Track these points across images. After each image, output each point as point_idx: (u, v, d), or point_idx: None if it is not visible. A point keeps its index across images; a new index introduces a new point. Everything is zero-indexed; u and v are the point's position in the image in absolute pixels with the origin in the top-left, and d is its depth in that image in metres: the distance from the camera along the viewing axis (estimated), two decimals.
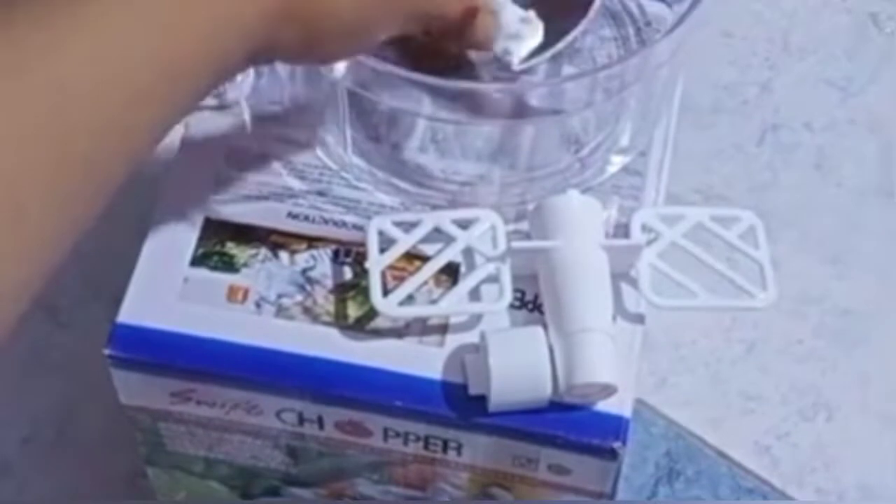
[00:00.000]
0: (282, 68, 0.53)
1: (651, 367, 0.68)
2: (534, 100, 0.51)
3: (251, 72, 0.54)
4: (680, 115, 0.74)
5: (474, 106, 0.50)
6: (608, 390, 0.48)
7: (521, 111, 0.51)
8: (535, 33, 0.51)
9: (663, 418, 0.67)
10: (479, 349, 0.48)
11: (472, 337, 0.49)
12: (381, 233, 0.50)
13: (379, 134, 0.53)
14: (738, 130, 0.76)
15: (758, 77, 0.77)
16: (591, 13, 0.53)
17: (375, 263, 0.49)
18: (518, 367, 0.48)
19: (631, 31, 0.56)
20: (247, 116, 0.54)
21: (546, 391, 0.48)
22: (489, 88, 0.51)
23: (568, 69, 0.55)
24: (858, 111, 0.77)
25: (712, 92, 0.77)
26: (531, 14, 0.51)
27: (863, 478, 0.66)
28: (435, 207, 0.52)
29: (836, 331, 0.70)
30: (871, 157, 0.75)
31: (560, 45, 0.53)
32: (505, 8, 0.50)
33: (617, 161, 0.53)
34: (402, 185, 0.52)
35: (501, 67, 0.51)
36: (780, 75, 0.78)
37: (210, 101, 0.53)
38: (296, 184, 0.53)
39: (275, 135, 0.53)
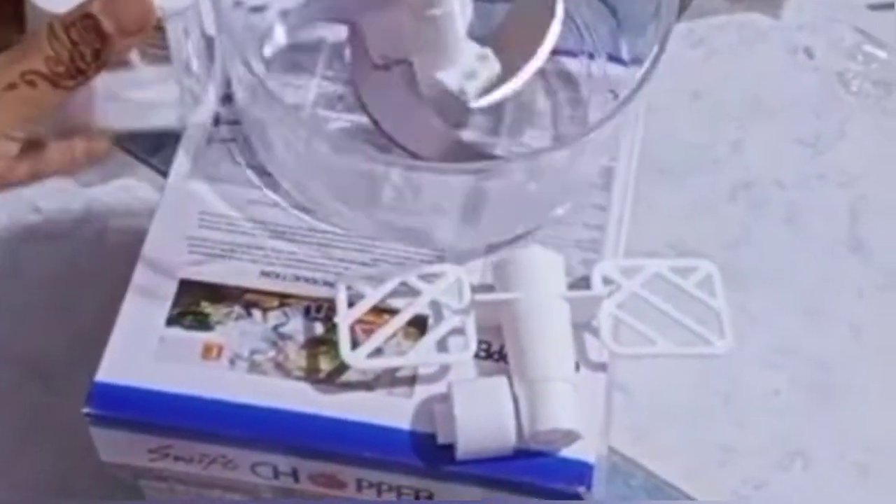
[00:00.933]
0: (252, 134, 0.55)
1: (630, 421, 0.69)
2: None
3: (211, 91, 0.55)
4: (652, 175, 0.76)
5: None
6: (571, 437, 0.49)
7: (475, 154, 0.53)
8: (491, 70, 0.53)
9: (642, 470, 0.68)
10: (447, 399, 0.50)
11: (440, 387, 0.51)
12: (349, 288, 0.52)
13: (348, 193, 0.55)
14: (710, 188, 0.77)
15: (728, 136, 0.79)
16: (544, 48, 0.55)
17: (344, 318, 0.51)
18: (483, 417, 0.49)
19: (585, 92, 0.58)
20: (206, 201, 0.55)
21: (511, 439, 0.49)
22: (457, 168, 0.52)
23: (530, 131, 0.57)
24: (828, 167, 0.78)
25: (684, 151, 0.78)
26: (488, 51, 0.53)
27: None
28: (398, 263, 0.53)
29: (811, 382, 0.71)
30: (842, 211, 0.77)
31: (511, 85, 0.54)
32: (463, 45, 0.52)
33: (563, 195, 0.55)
34: (366, 240, 0.54)
35: (458, 104, 0.53)
36: (751, 134, 0.80)
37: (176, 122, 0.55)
38: (268, 243, 0.54)
39: (244, 197, 0.55)
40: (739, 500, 0.66)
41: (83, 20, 0.43)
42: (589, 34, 0.59)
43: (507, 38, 0.55)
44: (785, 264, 0.75)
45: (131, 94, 0.54)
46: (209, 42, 0.54)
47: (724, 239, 0.76)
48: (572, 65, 0.59)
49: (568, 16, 0.57)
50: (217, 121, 0.56)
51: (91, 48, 0.43)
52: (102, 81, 0.48)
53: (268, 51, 0.57)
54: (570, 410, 0.49)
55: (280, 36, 0.58)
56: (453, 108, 0.54)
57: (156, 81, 0.54)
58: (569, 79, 0.58)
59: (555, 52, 0.56)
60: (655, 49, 0.53)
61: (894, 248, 0.75)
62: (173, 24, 0.50)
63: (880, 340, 0.72)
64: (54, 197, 0.72)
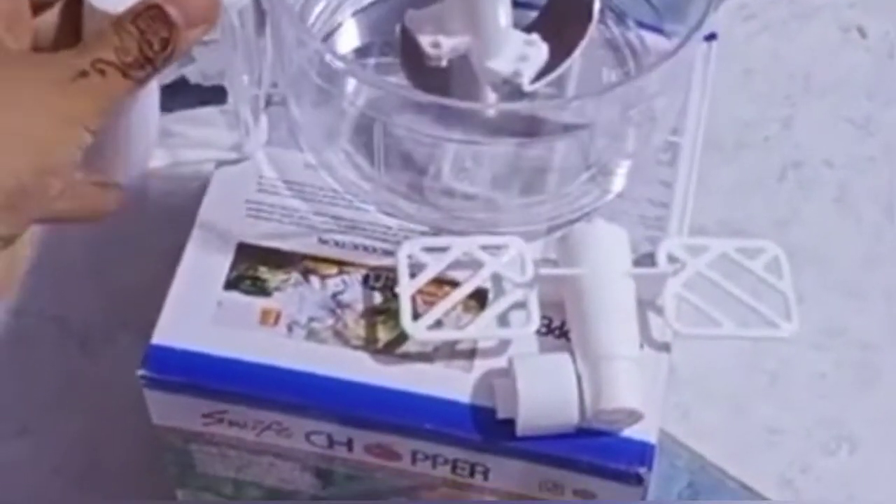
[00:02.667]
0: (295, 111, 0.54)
1: (675, 399, 0.68)
2: (546, 119, 0.52)
3: (264, 122, 0.55)
4: (704, 151, 0.75)
5: (490, 128, 0.51)
6: (634, 416, 0.48)
7: (534, 130, 0.52)
8: (540, 54, 0.53)
9: (687, 450, 0.68)
10: (508, 374, 0.49)
11: (500, 362, 0.50)
12: (410, 258, 0.51)
13: (401, 161, 0.54)
14: (760, 166, 0.76)
15: (778, 114, 0.78)
16: (590, 28, 0.54)
17: (405, 288, 0.50)
18: (546, 393, 0.48)
19: (631, 62, 0.57)
20: (265, 166, 0.55)
21: (573, 416, 0.48)
22: (508, 107, 0.52)
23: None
24: (877, 148, 0.77)
25: (734, 128, 0.77)
26: (535, 37, 0.53)
27: None
28: (460, 233, 0.52)
29: (858, 364, 0.70)
30: (891, 192, 0.76)
31: (566, 63, 0.54)
32: (509, 32, 0.52)
33: (624, 167, 0.54)
34: (425, 211, 0.53)
35: (513, 89, 0.52)
36: (801, 112, 0.79)
37: (230, 155, 0.54)
38: (327, 209, 0.54)
39: (303, 161, 0.55)
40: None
41: (149, 10, 0.43)
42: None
43: (549, 26, 0.55)
44: (833, 245, 0.74)
45: (186, 131, 0.54)
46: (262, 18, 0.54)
47: (772, 217, 0.75)
48: (617, 38, 0.58)
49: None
50: (275, 84, 0.55)
51: (158, 37, 0.43)
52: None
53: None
54: (635, 390, 0.48)
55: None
56: (510, 94, 0.53)
57: (210, 119, 0.54)
58: (616, 49, 0.58)
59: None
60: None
61: None
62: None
63: None
64: None
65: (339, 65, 0.52)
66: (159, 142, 0.52)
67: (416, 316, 0.50)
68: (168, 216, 0.56)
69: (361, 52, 0.58)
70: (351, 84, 0.54)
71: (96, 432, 0.66)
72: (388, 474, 0.52)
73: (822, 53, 0.81)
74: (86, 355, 0.69)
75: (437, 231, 0.53)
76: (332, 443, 0.51)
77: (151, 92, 0.48)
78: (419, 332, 0.49)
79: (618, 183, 0.55)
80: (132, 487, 0.64)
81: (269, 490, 0.55)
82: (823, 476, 0.67)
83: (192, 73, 0.62)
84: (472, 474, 0.51)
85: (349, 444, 0.51)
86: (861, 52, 0.81)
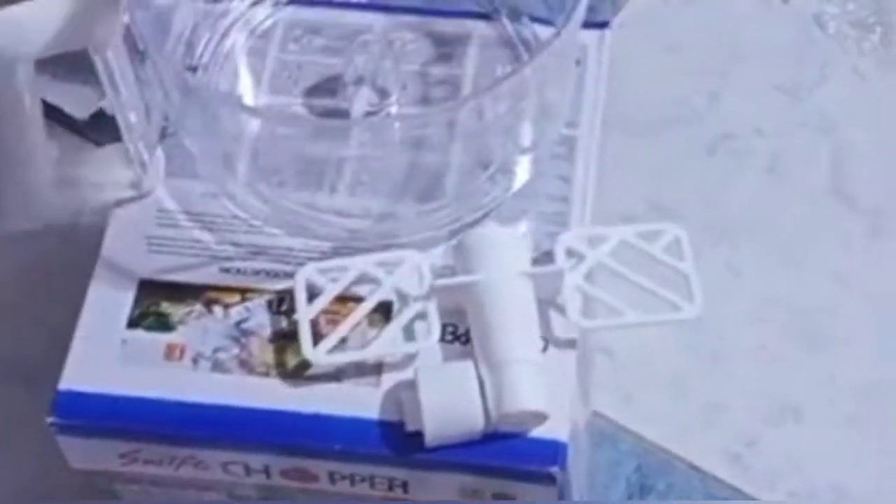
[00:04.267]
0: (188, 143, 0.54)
1: (616, 384, 0.68)
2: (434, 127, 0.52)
3: (160, 156, 0.55)
4: (628, 133, 0.75)
5: (375, 138, 0.51)
6: (540, 418, 0.48)
7: (421, 141, 0.52)
8: None
9: (631, 434, 0.68)
10: (413, 387, 0.49)
11: (408, 374, 0.50)
12: (308, 282, 0.51)
13: (297, 180, 0.54)
14: (688, 142, 0.76)
15: (705, 87, 0.78)
16: None
17: (304, 314, 0.50)
18: (449, 402, 0.48)
19: (526, 58, 0.57)
20: (164, 199, 0.55)
21: (478, 423, 0.48)
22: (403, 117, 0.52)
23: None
24: (808, 114, 0.77)
25: (660, 106, 0.77)
26: None
27: (835, 479, 0.66)
28: (360, 249, 0.52)
29: (799, 334, 0.70)
30: (824, 159, 0.76)
31: None
32: None
33: (523, 164, 0.54)
34: (326, 229, 0.53)
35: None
36: (729, 84, 0.78)
37: (128, 192, 0.55)
38: (228, 237, 0.54)
39: (200, 191, 0.55)
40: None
41: None
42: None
43: None
44: (768, 216, 0.74)
45: (84, 174, 0.54)
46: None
47: (705, 194, 0.75)
48: (512, 35, 0.58)
49: None
50: (167, 116, 0.56)
51: None
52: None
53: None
54: (537, 391, 0.48)
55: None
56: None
57: (108, 159, 0.54)
58: (512, 46, 0.58)
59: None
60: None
61: (878, 193, 0.74)
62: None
63: (867, 287, 0.71)
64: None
65: (204, 90, 0.52)
66: (58, 188, 0.52)
67: (317, 339, 0.50)
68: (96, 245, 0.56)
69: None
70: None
71: (43, 470, 0.66)
72: (310, 496, 0.52)
73: (746, 23, 0.81)
74: (31, 395, 0.69)
75: (340, 247, 0.53)
76: (249, 471, 0.51)
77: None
78: (319, 357, 0.49)
79: (518, 180, 0.55)
80: None
81: None
82: (769, 448, 0.67)
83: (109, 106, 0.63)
84: (390, 488, 0.51)
85: (266, 471, 0.51)
86: (785, 17, 0.81)
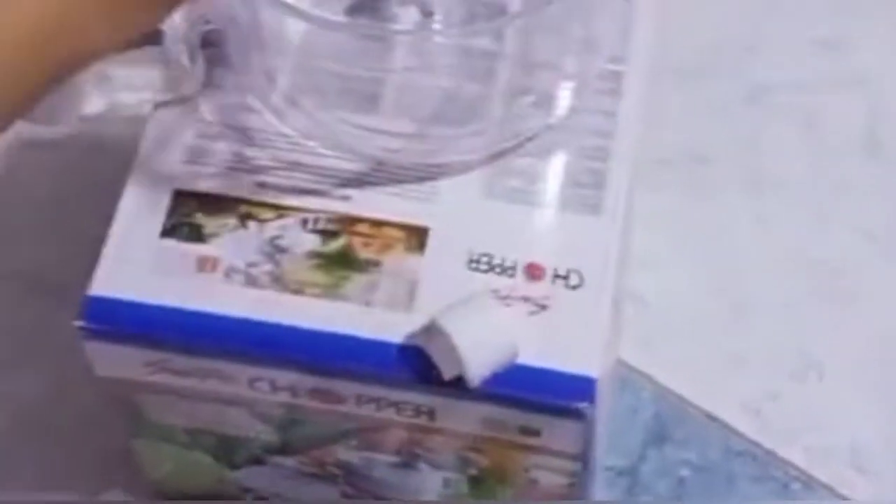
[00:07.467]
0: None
1: (637, 331, 0.68)
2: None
3: (201, 63, 0.54)
4: (664, 77, 0.74)
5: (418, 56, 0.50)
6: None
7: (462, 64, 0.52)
8: None
9: (651, 381, 0.67)
10: (432, 332, 0.48)
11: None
12: None
13: (341, 98, 0.53)
14: (725, 91, 0.75)
15: (744, 37, 0.77)
16: None
17: None
18: (483, 338, 0.47)
19: None
20: (203, 108, 0.54)
21: (514, 350, 0.48)
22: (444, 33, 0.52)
23: None
24: (847, 69, 0.76)
25: (699, 53, 0.76)
26: None
27: (853, 438, 0.66)
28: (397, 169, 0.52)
29: (825, 290, 0.70)
30: (860, 115, 0.75)
31: None
32: None
33: (565, 94, 0.53)
34: (359, 146, 0.53)
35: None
36: (767, 35, 0.77)
37: (168, 94, 0.53)
38: (266, 152, 0.53)
39: (241, 105, 0.54)
40: None
41: None
42: None
43: None
44: (800, 170, 0.73)
45: (122, 73, 0.53)
46: None
47: (739, 144, 0.74)
48: None
49: None
50: (208, 20, 0.54)
51: None
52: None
53: None
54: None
55: None
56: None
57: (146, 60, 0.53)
58: None
59: None
60: None
61: None
62: None
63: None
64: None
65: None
66: (95, 86, 0.51)
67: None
68: (123, 156, 0.55)
69: None
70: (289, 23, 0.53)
71: (60, 383, 0.66)
72: (334, 418, 0.52)
73: None
74: (62, 306, 0.68)
75: (377, 168, 0.52)
76: (275, 388, 0.51)
77: None
78: None
79: (559, 110, 0.54)
80: (88, 441, 0.64)
81: (223, 437, 0.55)
82: (790, 404, 0.67)
83: None
84: (416, 415, 0.50)
85: (292, 390, 0.50)
86: None
